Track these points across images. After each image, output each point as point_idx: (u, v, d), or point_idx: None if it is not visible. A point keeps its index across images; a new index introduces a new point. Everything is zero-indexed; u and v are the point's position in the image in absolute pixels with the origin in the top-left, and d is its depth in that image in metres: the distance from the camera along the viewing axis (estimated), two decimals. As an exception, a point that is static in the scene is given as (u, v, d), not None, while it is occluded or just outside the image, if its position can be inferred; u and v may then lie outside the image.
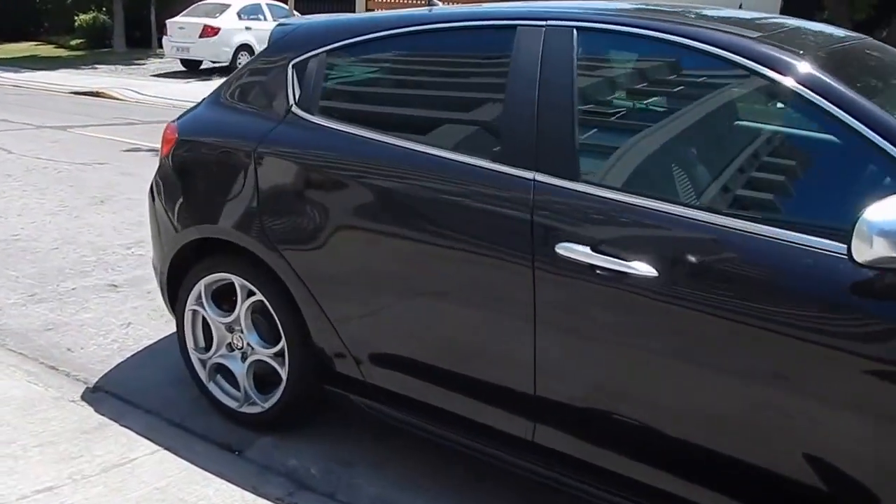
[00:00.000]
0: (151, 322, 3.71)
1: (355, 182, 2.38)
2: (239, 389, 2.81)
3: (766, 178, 2.03)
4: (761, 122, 2.16)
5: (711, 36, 2.01)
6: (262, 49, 2.81)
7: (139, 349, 3.43)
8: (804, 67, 1.87)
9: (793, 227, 1.77)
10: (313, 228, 2.44)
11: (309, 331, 2.54)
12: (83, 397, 2.94)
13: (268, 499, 2.38)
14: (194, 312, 2.85)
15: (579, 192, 2.02)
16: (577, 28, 2.14)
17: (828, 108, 1.80)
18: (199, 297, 2.79)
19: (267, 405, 2.73)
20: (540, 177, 2.07)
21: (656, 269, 1.89)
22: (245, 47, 14.66)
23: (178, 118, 2.94)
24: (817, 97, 1.82)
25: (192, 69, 15.53)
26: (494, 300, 2.16)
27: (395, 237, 2.30)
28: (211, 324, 2.81)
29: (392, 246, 2.32)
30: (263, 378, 2.76)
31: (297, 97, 2.56)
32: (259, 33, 14.85)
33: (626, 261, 1.92)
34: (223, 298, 2.80)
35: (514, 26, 2.22)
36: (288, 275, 2.50)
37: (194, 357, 2.90)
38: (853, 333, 1.71)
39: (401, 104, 2.54)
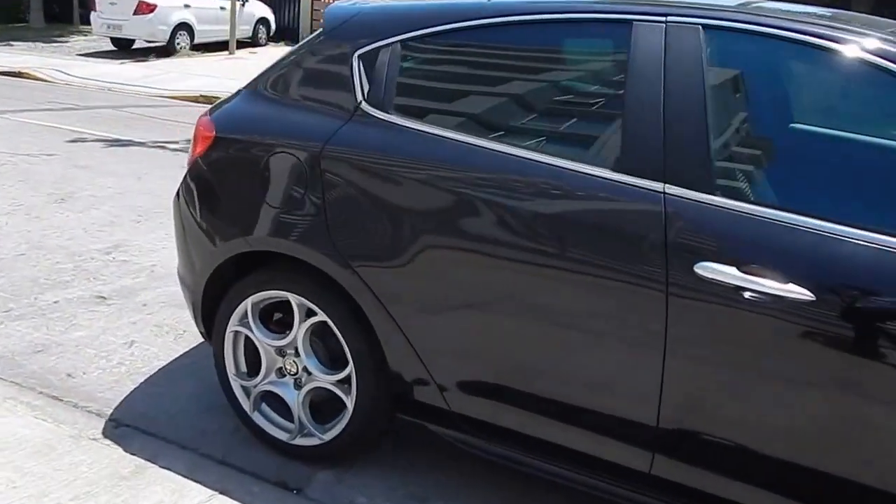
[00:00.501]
0: (157, 340, 3.35)
1: (446, 191, 2.13)
2: (291, 419, 2.53)
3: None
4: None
5: (848, 37, 1.85)
6: (314, 36, 2.50)
7: (151, 372, 3.08)
8: None
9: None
10: (394, 243, 2.18)
11: (384, 355, 2.29)
12: (105, 434, 2.60)
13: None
14: (236, 334, 2.55)
15: (718, 205, 1.84)
16: (704, 26, 1.95)
17: None
18: (245, 316, 2.49)
19: (327, 437, 2.46)
20: (671, 189, 1.88)
21: (812, 293, 1.73)
22: (184, 26, 13.86)
23: (212, 112, 2.60)
24: None
25: (124, 49, 14.59)
26: (618, 326, 1.96)
27: (498, 255, 2.06)
28: (259, 347, 2.51)
29: (493, 264, 2.07)
30: (318, 406, 2.49)
31: (365, 92, 2.28)
32: (200, 12, 14.09)
33: (778, 283, 1.76)
34: (269, 318, 2.52)
35: (630, 21, 2.01)
36: (362, 294, 2.23)
37: (236, 384, 2.59)
38: None
39: (495, 104, 2.29)
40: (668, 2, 2.09)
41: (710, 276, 1.80)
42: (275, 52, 11.11)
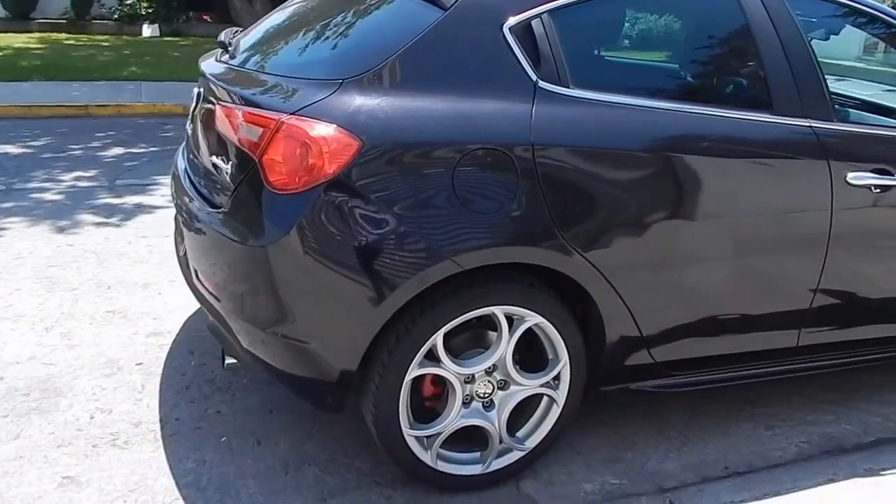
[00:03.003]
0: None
1: (652, 159, 2.17)
2: (470, 450, 2.25)
3: None
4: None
5: None
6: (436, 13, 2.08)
7: None
8: None
9: None
10: (615, 220, 2.14)
11: (599, 341, 2.25)
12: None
13: None
14: (412, 380, 2.10)
15: (844, 130, 2.43)
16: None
17: None
18: (433, 353, 2.08)
19: (530, 444, 2.29)
20: (814, 123, 2.39)
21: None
22: None
23: (333, 117, 1.93)
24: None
25: None
26: (798, 237, 2.40)
27: (702, 210, 2.23)
28: (453, 381, 2.13)
29: (699, 218, 2.24)
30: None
31: (537, 69, 2.09)
32: None
33: (883, 178, 2.46)
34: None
35: None
36: (592, 279, 2.14)
37: (412, 439, 2.15)
38: None
39: (663, 66, 2.34)
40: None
41: (858, 182, 2.40)
42: None
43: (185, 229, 2.42)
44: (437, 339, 2.07)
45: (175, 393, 2.69)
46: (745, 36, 2.36)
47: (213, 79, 2.38)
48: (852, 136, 2.48)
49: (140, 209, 4.70)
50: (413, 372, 2.07)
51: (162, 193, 5.00)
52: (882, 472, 2.39)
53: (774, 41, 2.35)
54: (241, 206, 2.07)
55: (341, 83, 2.00)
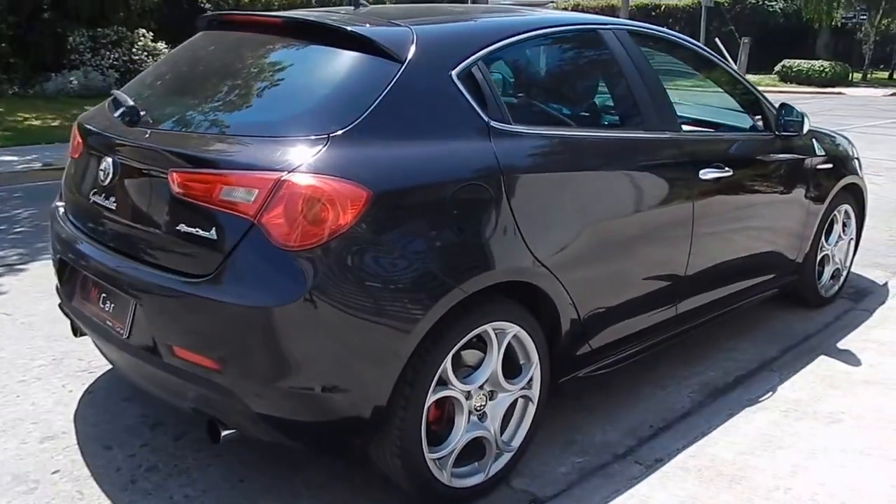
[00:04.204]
0: None
1: (577, 176, 2.56)
2: (467, 463, 2.43)
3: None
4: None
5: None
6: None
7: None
8: None
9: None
10: (566, 230, 2.49)
11: (557, 336, 2.57)
12: None
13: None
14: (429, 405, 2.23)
15: (691, 138, 3.07)
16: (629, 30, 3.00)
17: None
18: (444, 377, 2.23)
19: (516, 443, 2.53)
20: (672, 134, 2.98)
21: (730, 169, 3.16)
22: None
23: (337, 170, 1.99)
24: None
25: None
26: (674, 224, 2.95)
27: (621, 211, 2.70)
28: (460, 400, 2.30)
29: (622, 217, 2.70)
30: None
31: (485, 110, 2.35)
32: None
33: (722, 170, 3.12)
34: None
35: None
36: (552, 285, 2.45)
37: (432, 461, 2.27)
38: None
39: (568, 101, 2.68)
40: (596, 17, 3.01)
41: (706, 176, 3.02)
42: None
43: (139, 309, 2.24)
44: (447, 363, 2.22)
45: (123, 491, 2.45)
46: (620, 75, 2.87)
47: (148, 145, 2.27)
48: (697, 142, 3.11)
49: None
50: (430, 398, 2.20)
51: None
52: (760, 399, 3.02)
53: (637, 76, 2.88)
54: (242, 269, 2.03)
55: (328, 138, 2.07)
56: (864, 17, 26.98)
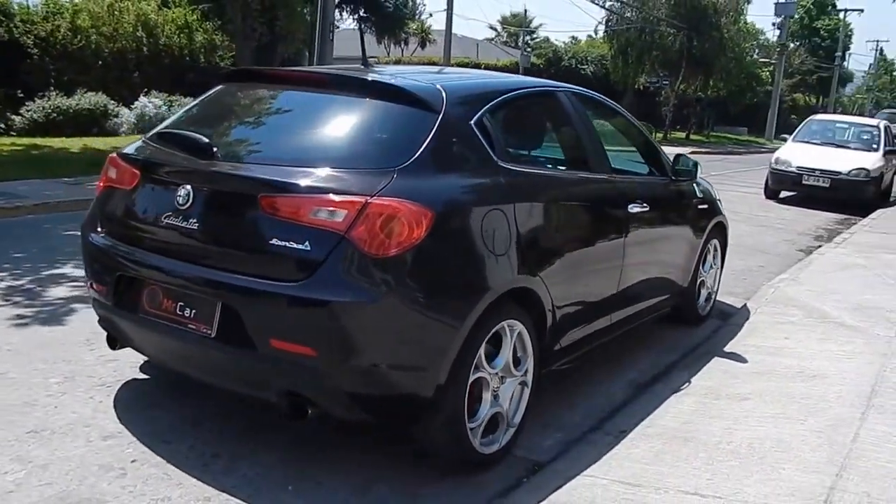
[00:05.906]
0: None
1: (554, 205, 3.29)
2: (495, 431, 3.01)
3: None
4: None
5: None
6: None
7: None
8: None
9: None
10: (550, 244, 3.21)
11: (542, 334, 3.22)
12: None
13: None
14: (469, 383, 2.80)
15: (622, 179, 3.91)
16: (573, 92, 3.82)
17: None
18: (480, 361, 2.83)
19: (517, 420, 3.13)
20: (608, 176, 3.79)
21: (648, 206, 4.02)
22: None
23: (409, 195, 2.57)
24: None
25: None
26: (613, 248, 3.73)
27: (580, 231, 3.45)
28: (489, 380, 2.90)
29: (586, 235, 3.46)
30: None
31: (492, 152, 3.02)
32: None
33: (642, 206, 3.97)
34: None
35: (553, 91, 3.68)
36: (542, 290, 3.11)
37: (469, 430, 2.83)
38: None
39: (543, 147, 3.39)
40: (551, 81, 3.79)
41: (633, 210, 3.86)
42: None
43: (229, 311, 2.64)
44: (482, 349, 2.81)
45: (203, 472, 2.76)
46: (574, 129, 3.68)
47: (235, 173, 2.73)
48: (625, 182, 3.95)
49: None
50: (471, 378, 2.78)
51: None
52: (681, 388, 3.82)
53: (585, 130, 3.70)
54: (337, 274, 2.51)
55: (395, 170, 2.65)
56: (666, 82, 30.97)
